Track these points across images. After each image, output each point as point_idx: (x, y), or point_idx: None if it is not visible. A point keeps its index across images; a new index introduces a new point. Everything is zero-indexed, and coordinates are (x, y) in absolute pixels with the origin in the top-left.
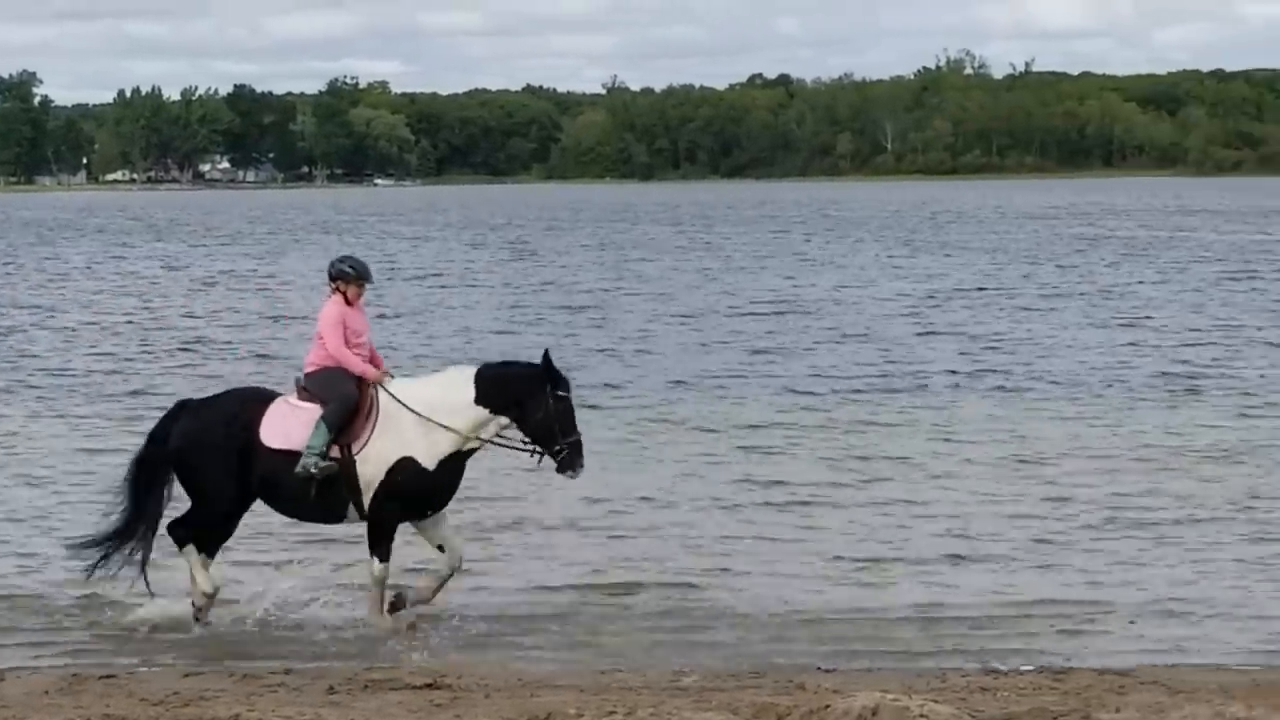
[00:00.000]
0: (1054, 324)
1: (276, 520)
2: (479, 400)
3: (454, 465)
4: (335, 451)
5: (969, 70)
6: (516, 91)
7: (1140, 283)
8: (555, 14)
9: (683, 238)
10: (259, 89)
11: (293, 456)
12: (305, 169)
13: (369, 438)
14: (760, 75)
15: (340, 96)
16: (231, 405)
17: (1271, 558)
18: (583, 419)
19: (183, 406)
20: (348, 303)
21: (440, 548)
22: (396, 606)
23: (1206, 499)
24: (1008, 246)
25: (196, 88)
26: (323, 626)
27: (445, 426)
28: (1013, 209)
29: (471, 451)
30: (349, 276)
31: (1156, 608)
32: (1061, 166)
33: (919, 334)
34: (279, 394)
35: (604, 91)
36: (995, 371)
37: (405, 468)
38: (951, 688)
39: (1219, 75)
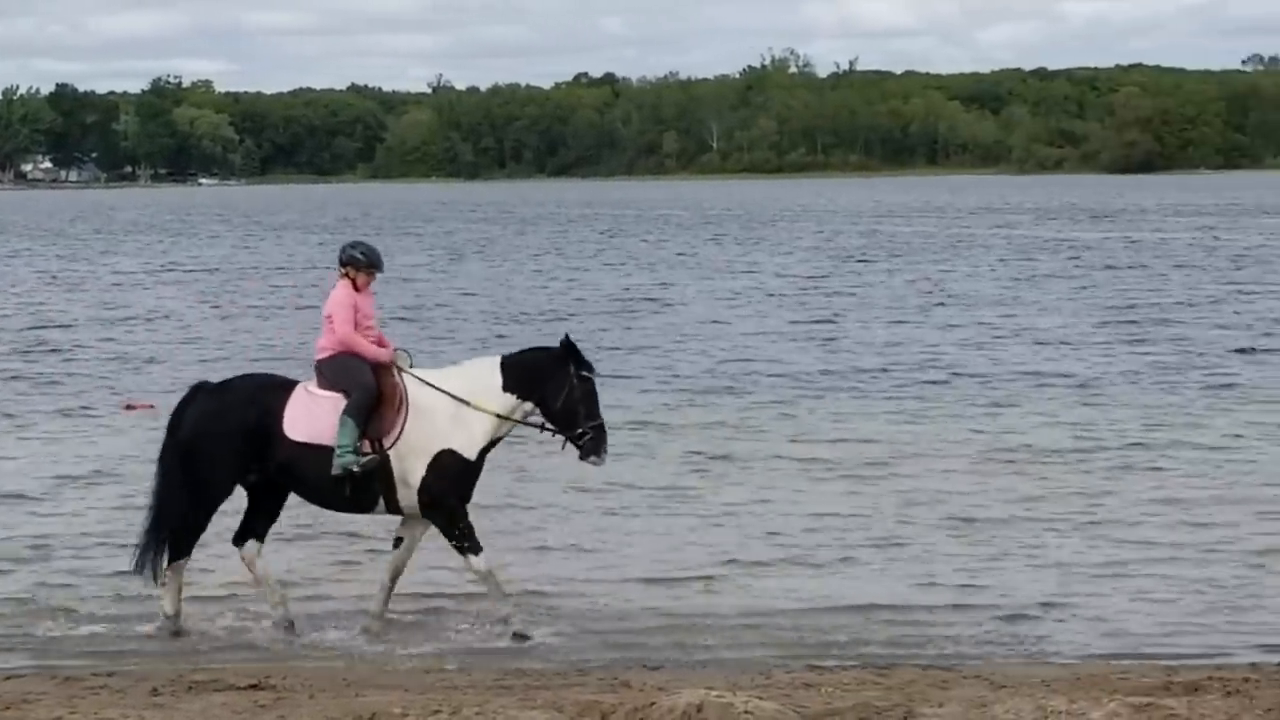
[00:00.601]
0: (889, 322)
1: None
2: (506, 387)
3: (483, 457)
4: (365, 445)
5: (793, 69)
6: (341, 90)
7: (970, 279)
8: (380, 13)
9: (514, 236)
10: (81, 88)
11: (316, 450)
12: (129, 169)
13: (401, 431)
14: (586, 74)
15: (164, 96)
16: (249, 390)
17: (1101, 557)
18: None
19: (198, 390)
20: (356, 289)
21: (398, 542)
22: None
23: (1040, 498)
24: (840, 244)
25: (18, 87)
26: (146, 628)
27: (481, 409)
28: (841, 207)
29: (494, 444)
30: (360, 263)
31: (987, 606)
32: (886, 164)
33: (757, 333)
34: (296, 380)
35: (429, 90)
36: (833, 371)
37: (447, 461)
38: (776, 684)
39: (1041, 74)
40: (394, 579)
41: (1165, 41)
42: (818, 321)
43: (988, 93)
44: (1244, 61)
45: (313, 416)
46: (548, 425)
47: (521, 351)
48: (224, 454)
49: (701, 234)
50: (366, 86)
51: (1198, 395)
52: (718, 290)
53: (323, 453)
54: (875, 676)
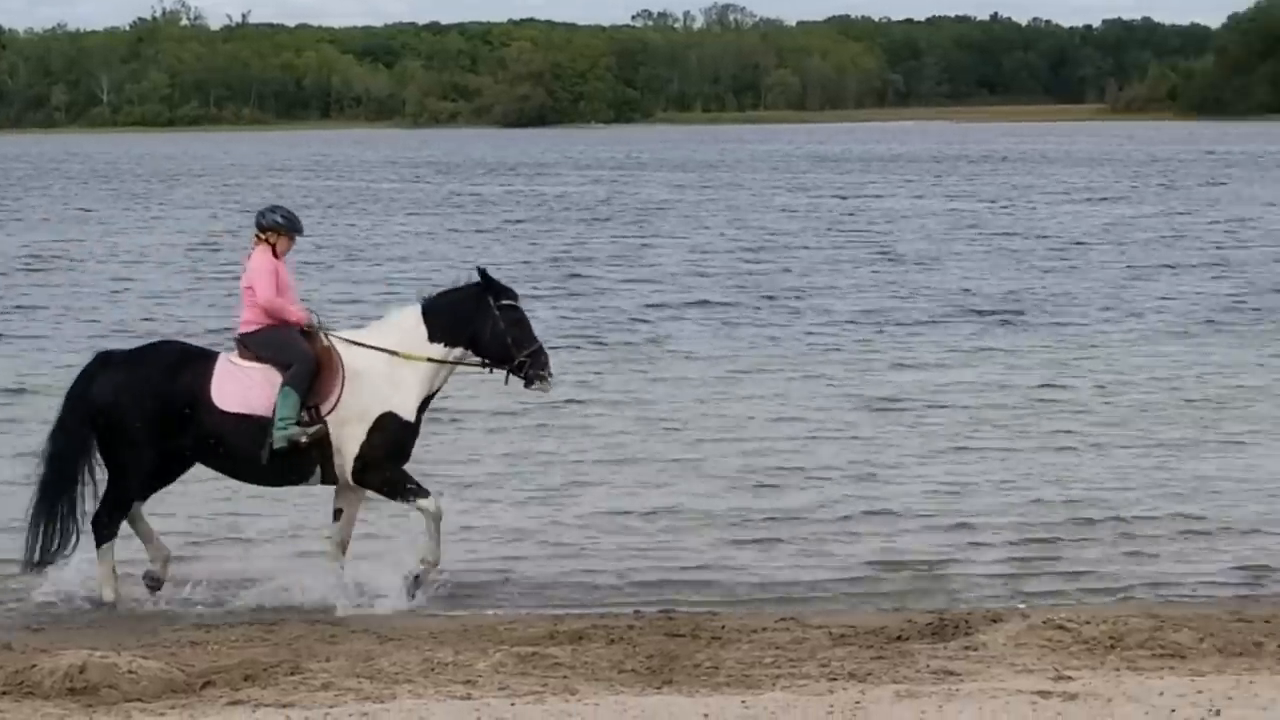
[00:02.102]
0: (323, 281)
1: None
2: (433, 338)
3: (421, 414)
4: (303, 415)
5: (185, 21)
6: None
7: (386, 233)
8: None
9: None
10: None
11: (249, 421)
12: None
13: (339, 398)
14: None
15: None
16: (170, 359)
17: (516, 518)
18: None
19: (106, 360)
20: (275, 255)
21: (338, 514)
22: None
23: (480, 457)
24: (242, 200)
25: None
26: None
27: (413, 358)
28: (239, 161)
29: (432, 396)
30: (280, 228)
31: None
32: (280, 118)
33: (187, 289)
34: (214, 351)
35: None
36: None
37: (388, 424)
38: (163, 643)
39: (434, 28)
40: (342, 550)
41: None
42: (225, 277)
43: (381, 47)
44: (634, 17)
45: (243, 387)
46: (486, 363)
47: (440, 295)
48: (148, 426)
49: (100, 190)
50: None
51: (621, 353)
52: (123, 248)
53: (256, 424)
54: (263, 633)
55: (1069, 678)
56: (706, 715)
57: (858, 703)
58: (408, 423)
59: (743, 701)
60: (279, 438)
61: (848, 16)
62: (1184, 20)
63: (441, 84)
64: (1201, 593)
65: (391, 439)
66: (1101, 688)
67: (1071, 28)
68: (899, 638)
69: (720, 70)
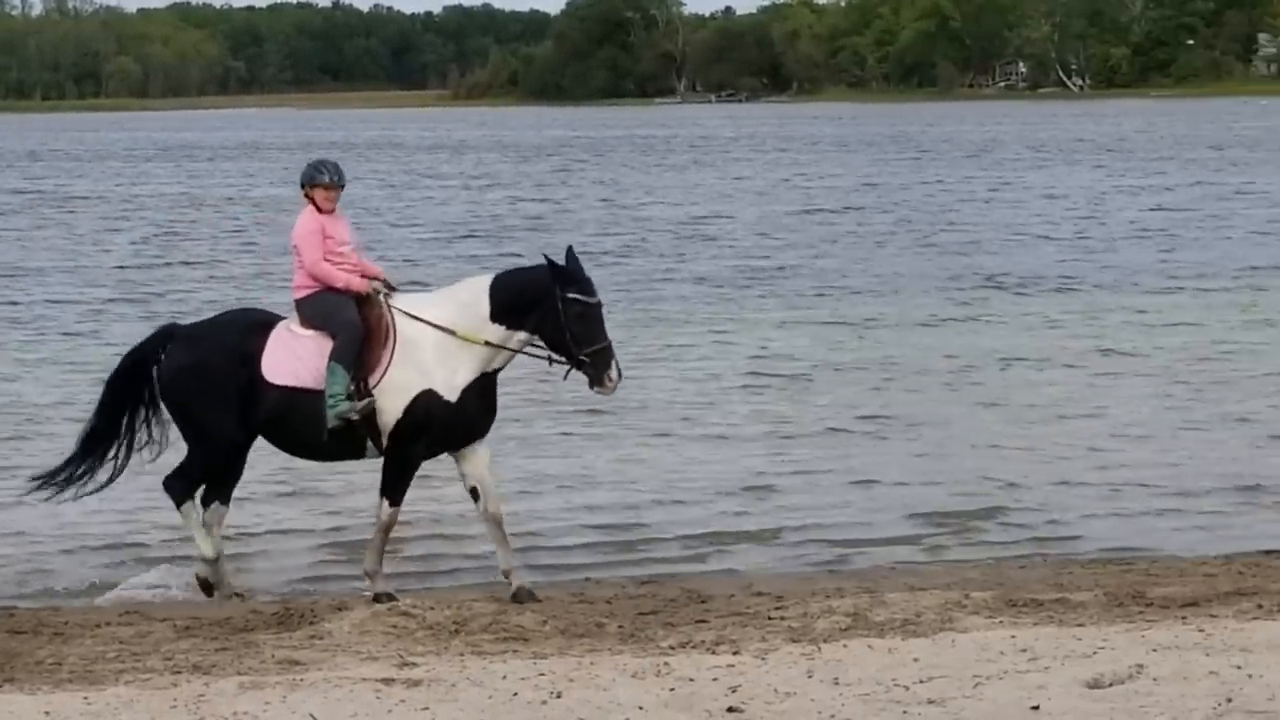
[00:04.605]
0: None
1: None
2: (494, 316)
3: (481, 388)
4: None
5: None
6: None
7: None
8: None
9: None
10: None
11: (302, 394)
12: None
13: (387, 368)
14: None
15: None
16: (230, 335)
17: None
18: None
19: (171, 335)
20: (319, 210)
21: (474, 492)
22: (518, 598)
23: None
24: None
25: None
26: None
27: (469, 340)
28: None
29: (498, 370)
30: (316, 180)
31: None
32: None
33: None
34: (279, 317)
35: None
36: None
37: (425, 402)
38: None
39: None
40: (499, 524)
41: None
42: None
43: None
44: None
45: (295, 359)
46: (550, 357)
47: (512, 271)
48: (215, 402)
49: None
50: None
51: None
52: None
53: (308, 398)
54: None
55: (413, 664)
56: (48, 713)
57: (201, 695)
58: (448, 403)
59: (85, 698)
60: (331, 417)
61: (189, 4)
62: (524, 7)
63: None
64: (551, 576)
65: (422, 419)
66: (445, 673)
67: (413, 14)
68: (244, 628)
69: (60, 58)
